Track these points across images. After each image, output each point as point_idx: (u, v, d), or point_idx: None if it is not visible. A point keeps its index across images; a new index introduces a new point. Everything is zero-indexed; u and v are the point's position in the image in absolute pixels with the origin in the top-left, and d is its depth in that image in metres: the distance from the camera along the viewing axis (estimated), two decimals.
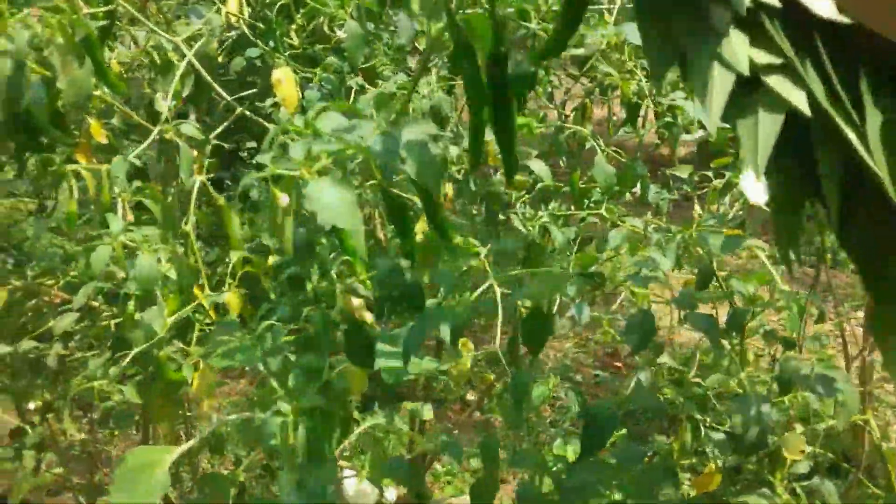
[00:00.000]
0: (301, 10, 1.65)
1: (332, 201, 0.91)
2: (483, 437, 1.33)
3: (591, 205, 1.71)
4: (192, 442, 1.23)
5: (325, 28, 1.60)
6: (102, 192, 1.30)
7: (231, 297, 1.37)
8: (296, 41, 1.72)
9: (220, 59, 1.74)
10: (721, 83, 0.48)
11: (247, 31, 1.76)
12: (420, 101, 1.82)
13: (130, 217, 1.37)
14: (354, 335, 1.23)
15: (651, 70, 0.53)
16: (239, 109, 1.76)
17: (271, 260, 1.53)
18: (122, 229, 1.27)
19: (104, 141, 1.48)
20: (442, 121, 1.90)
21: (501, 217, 1.67)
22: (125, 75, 1.74)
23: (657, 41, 0.52)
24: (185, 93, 1.63)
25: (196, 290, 1.54)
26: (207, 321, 1.46)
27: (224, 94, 1.78)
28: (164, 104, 1.46)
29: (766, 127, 0.48)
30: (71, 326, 1.53)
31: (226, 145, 1.87)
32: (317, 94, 1.58)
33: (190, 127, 1.47)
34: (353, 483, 1.98)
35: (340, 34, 1.58)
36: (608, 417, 1.30)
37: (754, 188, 1.40)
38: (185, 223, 1.51)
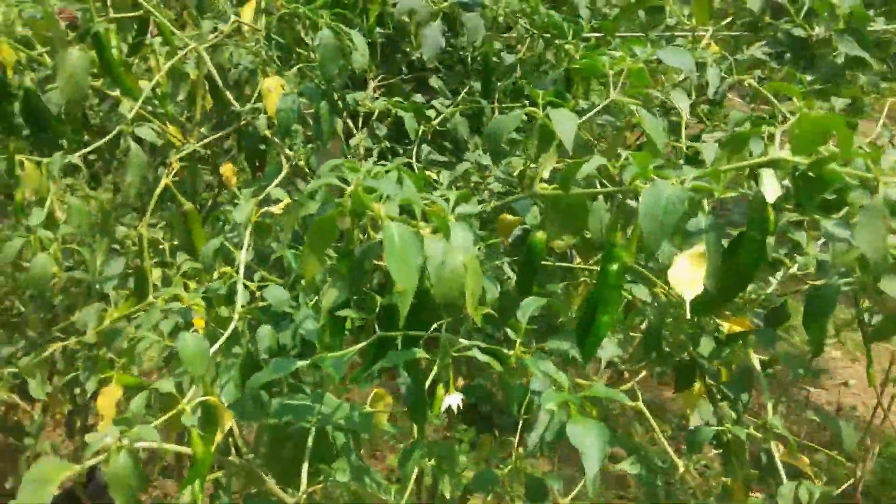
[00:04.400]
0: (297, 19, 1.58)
1: None
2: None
3: None
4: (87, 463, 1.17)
5: (301, 32, 1.53)
6: (41, 188, 1.30)
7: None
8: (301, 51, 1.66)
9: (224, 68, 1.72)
10: None
11: (262, 40, 1.72)
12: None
13: (60, 214, 1.35)
14: None
15: None
16: (240, 118, 1.73)
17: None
18: (40, 223, 1.26)
19: None
20: (458, 145, 1.75)
21: None
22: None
23: None
24: (180, 97, 1.62)
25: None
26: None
27: (235, 103, 1.75)
28: (127, 105, 1.45)
29: None
30: None
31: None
32: (293, 103, 1.50)
33: (148, 130, 1.44)
34: None
35: (314, 42, 1.49)
36: None
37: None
38: (140, 226, 1.48)
